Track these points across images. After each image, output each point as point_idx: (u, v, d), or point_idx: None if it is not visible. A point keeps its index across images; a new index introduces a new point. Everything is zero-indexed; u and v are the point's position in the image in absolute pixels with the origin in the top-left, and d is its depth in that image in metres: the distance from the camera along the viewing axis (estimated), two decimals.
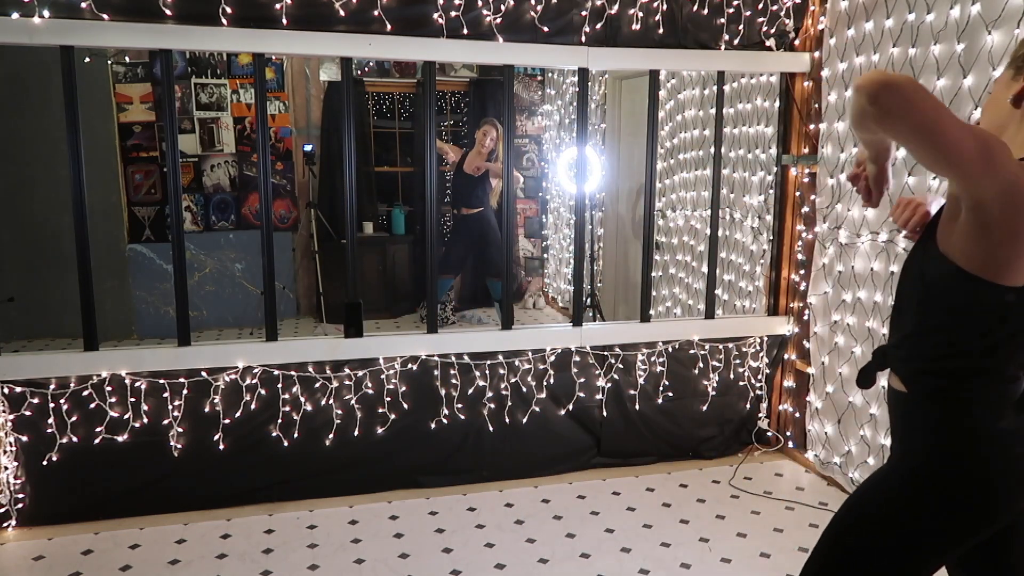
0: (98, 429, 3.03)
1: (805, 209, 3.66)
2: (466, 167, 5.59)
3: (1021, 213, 1.22)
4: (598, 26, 3.36)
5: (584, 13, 3.32)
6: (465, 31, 3.17)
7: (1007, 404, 1.36)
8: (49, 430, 2.98)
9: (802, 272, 3.70)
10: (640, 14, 3.38)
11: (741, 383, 3.80)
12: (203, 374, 3.11)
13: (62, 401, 2.98)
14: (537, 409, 3.51)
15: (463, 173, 5.62)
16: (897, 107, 1.18)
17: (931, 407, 1.40)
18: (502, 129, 5.17)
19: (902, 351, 1.44)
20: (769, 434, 3.89)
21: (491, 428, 3.46)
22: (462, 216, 5.70)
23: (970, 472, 1.35)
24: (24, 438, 2.97)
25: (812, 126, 3.58)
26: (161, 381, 3.07)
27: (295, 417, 3.22)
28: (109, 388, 3.02)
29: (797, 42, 3.63)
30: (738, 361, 3.77)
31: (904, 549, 1.39)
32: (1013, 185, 1.21)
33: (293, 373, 3.20)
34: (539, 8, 3.25)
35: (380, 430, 3.32)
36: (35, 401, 2.96)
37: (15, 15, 2.73)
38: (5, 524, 2.98)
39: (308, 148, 6.27)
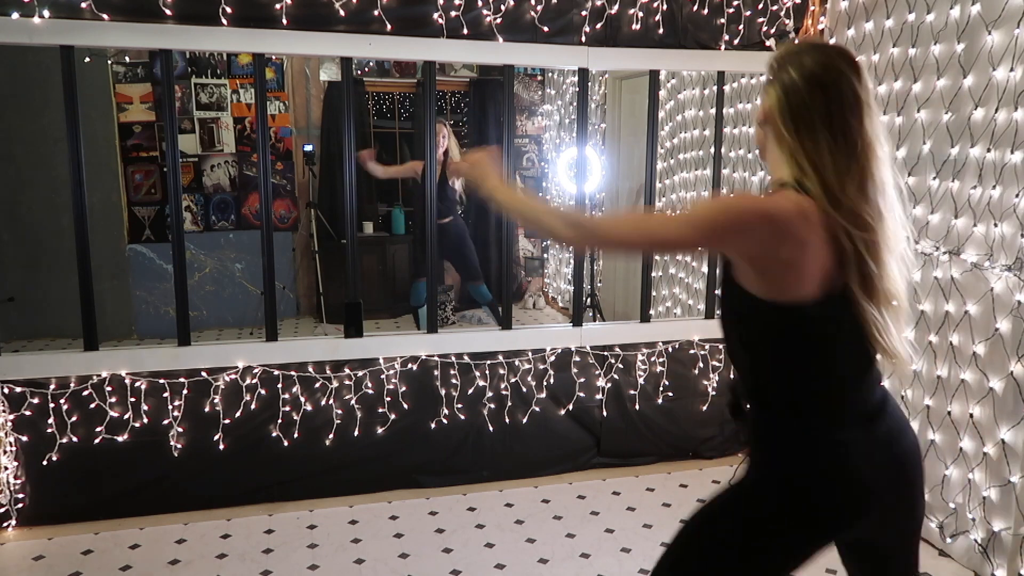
0: (98, 429, 3.03)
1: None
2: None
3: (782, 244, 1.28)
4: (598, 26, 3.36)
5: (584, 13, 3.32)
6: (465, 31, 3.17)
7: (846, 414, 1.41)
8: (49, 430, 2.98)
9: None
10: (640, 14, 3.38)
11: None
12: (203, 374, 3.11)
13: (62, 401, 2.98)
14: (537, 409, 3.51)
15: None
16: (610, 250, 1.34)
17: (776, 425, 1.44)
18: (449, 128, 4.99)
19: (746, 384, 1.49)
20: None
21: (491, 428, 3.46)
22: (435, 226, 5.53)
23: (814, 481, 1.39)
24: (24, 438, 2.97)
25: None
26: (161, 381, 3.07)
27: (295, 417, 3.22)
28: (109, 388, 3.02)
29: (797, 42, 3.63)
30: None
31: (754, 557, 1.42)
32: (758, 229, 1.28)
33: (293, 373, 3.20)
34: (539, 8, 3.25)
35: (380, 430, 3.32)
36: (35, 401, 2.96)
37: (15, 15, 2.73)
38: (5, 524, 2.98)
39: (308, 148, 6.27)
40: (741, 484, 1.48)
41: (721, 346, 3.71)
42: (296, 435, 3.23)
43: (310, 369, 3.22)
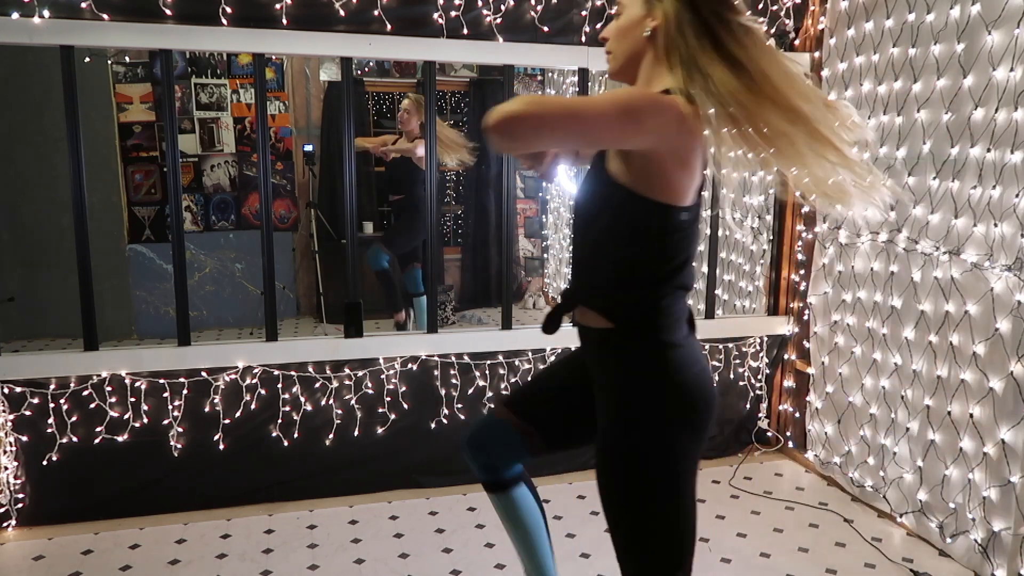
0: (98, 429, 3.03)
1: (805, 209, 3.66)
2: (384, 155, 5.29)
3: (686, 138, 1.32)
4: (598, 26, 3.36)
5: (584, 13, 3.32)
6: (465, 31, 3.17)
7: (681, 320, 1.47)
8: (49, 430, 2.98)
9: (802, 272, 3.70)
10: None
11: (741, 383, 3.80)
12: (203, 374, 3.11)
13: (62, 401, 2.98)
14: None
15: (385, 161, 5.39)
16: (530, 131, 1.25)
17: (626, 334, 1.46)
18: (416, 102, 4.95)
19: (594, 286, 1.49)
20: (769, 434, 3.89)
21: None
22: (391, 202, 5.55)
23: (674, 389, 1.43)
24: (24, 438, 2.97)
25: None
26: (161, 381, 3.07)
27: (295, 417, 3.22)
28: (109, 388, 3.02)
29: (797, 42, 3.63)
30: (738, 361, 3.77)
31: (667, 473, 1.46)
32: (668, 124, 1.30)
33: (293, 373, 3.20)
34: (539, 8, 3.25)
35: (380, 430, 3.32)
36: (35, 401, 2.96)
37: (15, 15, 2.73)
38: (5, 524, 2.98)
39: (308, 148, 6.27)
40: (629, 430, 1.48)
41: (721, 346, 3.71)
42: (296, 435, 3.23)
43: (310, 369, 3.22)
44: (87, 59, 5.27)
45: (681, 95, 1.35)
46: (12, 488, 2.98)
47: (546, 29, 3.28)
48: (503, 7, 3.21)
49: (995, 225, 2.62)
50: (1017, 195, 2.53)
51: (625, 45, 1.48)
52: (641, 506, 1.50)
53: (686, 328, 1.49)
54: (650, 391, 1.45)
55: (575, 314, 1.56)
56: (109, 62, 5.59)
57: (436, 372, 3.36)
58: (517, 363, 3.45)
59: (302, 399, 3.22)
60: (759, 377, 3.82)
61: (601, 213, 1.44)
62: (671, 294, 1.44)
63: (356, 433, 3.30)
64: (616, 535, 1.56)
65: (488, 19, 3.21)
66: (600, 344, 1.51)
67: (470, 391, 3.41)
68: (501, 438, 1.77)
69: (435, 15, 3.15)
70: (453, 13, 3.16)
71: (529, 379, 1.54)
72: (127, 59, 5.68)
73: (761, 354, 3.80)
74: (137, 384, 3.05)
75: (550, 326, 1.57)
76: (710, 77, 1.34)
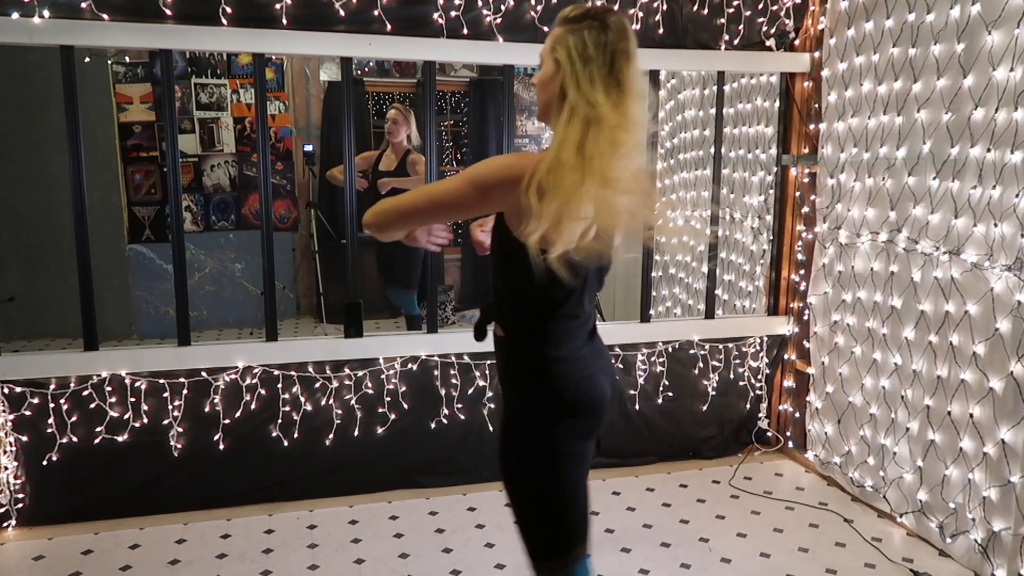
0: (98, 429, 3.03)
1: (805, 209, 3.66)
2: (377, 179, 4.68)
3: (543, 199, 1.45)
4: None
5: None
6: (465, 31, 3.17)
7: (566, 335, 1.65)
8: (49, 430, 2.98)
9: (802, 272, 3.70)
10: (640, 14, 3.38)
11: (741, 383, 3.80)
12: (203, 374, 3.11)
13: (62, 401, 2.98)
14: None
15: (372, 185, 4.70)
16: (396, 222, 1.58)
17: (520, 346, 1.67)
18: (405, 111, 4.60)
19: (499, 306, 1.71)
20: (769, 434, 3.89)
21: (491, 428, 3.45)
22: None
23: (545, 396, 1.63)
24: (24, 438, 2.97)
25: (812, 126, 3.58)
26: (161, 381, 3.07)
27: (295, 417, 3.22)
28: (109, 388, 3.02)
29: (797, 42, 3.63)
30: (738, 361, 3.77)
31: (538, 468, 1.63)
32: (514, 192, 1.47)
33: (293, 373, 3.20)
34: (539, 8, 3.25)
35: (380, 430, 3.32)
36: (35, 401, 2.96)
37: (15, 15, 2.73)
38: (5, 524, 2.98)
39: (308, 148, 6.27)
40: (505, 427, 1.68)
41: (721, 346, 3.71)
42: (296, 435, 3.23)
43: (310, 369, 3.22)
44: (87, 59, 5.27)
45: (555, 144, 1.52)
46: (12, 488, 2.98)
47: (546, 29, 3.28)
48: (503, 7, 3.21)
49: (995, 225, 2.62)
50: (1017, 195, 2.53)
51: (543, 96, 1.63)
52: (517, 495, 1.67)
53: (577, 343, 1.67)
54: (529, 395, 1.65)
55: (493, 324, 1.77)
56: (109, 62, 5.59)
57: (436, 372, 3.36)
58: None
59: (302, 399, 3.22)
60: (759, 377, 3.82)
61: (495, 248, 1.64)
62: (555, 319, 1.63)
63: (356, 433, 3.30)
64: (515, 514, 1.73)
65: (488, 19, 3.21)
66: (499, 350, 1.74)
67: (470, 391, 3.41)
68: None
69: (435, 15, 3.15)
70: (453, 13, 3.16)
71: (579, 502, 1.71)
72: (127, 59, 5.68)
73: (761, 354, 3.80)
74: (137, 384, 3.05)
75: (478, 334, 1.80)
76: (573, 134, 1.50)
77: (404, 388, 3.33)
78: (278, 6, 2.98)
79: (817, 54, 3.55)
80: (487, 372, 3.42)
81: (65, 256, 4.39)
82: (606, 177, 1.47)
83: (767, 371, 3.83)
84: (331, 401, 3.26)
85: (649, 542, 2.97)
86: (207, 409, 3.12)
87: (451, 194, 1.54)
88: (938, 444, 2.88)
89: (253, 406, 3.17)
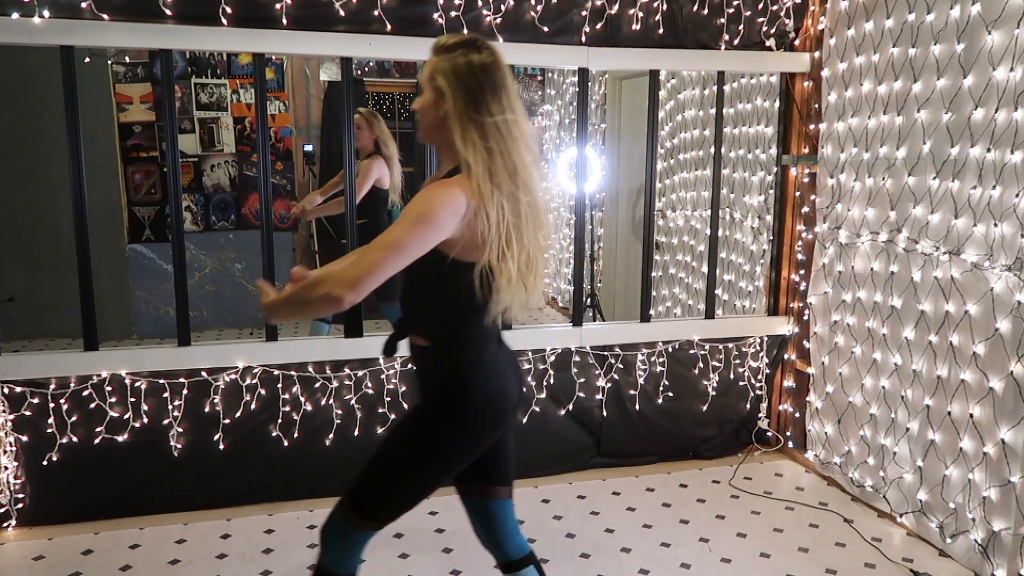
0: (98, 429, 3.03)
1: (805, 209, 3.66)
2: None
3: (465, 222, 1.62)
4: (598, 26, 3.36)
5: (584, 13, 3.32)
6: (465, 31, 3.17)
7: (486, 342, 1.78)
8: (49, 430, 2.98)
9: (802, 272, 3.70)
10: (640, 14, 3.38)
11: (741, 383, 3.80)
12: (203, 374, 3.11)
13: (62, 401, 2.98)
14: (537, 409, 3.51)
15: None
16: (369, 283, 1.59)
17: (439, 352, 1.78)
18: (369, 115, 4.44)
19: (416, 318, 1.82)
20: (769, 434, 3.89)
21: None
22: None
23: (466, 398, 1.74)
24: (24, 438, 2.97)
25: (812, 126, 3.58)
26: (161, 381, 3.07)
27: (295, 417, 3.22)
28: (109, 388, 3.02)
29: (797, 42, 3.63)
30: (738, 361, 3.77)
31: (431, 465, 1.80)
32: (460, 211, 1.62)
33: (293, 373, 3.20)
34: (539, 8, 3.25)
35: (380, 430, 3.32)
36: (35, 401, 2.96)
37: (15, 15, 2.73)
38: (5, 524, 2.98)
39: (308, 148, 6.26)
40: (418, 409, 1.83)
41: (721, 346, 3.71)
42: (296, 435, 3.23)
43: (310, 369, 3.22)
44: (87, 59, 5.27)
45: (465, 166, 1.66)
46: (12, 488, 2.98)
47: (546, 29, 3.28)
48: (503, 7, 3.21)
49: (995, 225, 2.62)
50: (1017, 195, 2.53)
51: (426, 120, 1.75)
52: (384, 458, 1.87)
53: (492, 348, 1.80)
54: (447, 396, 1.76)
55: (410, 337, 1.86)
56: (109, 62, 5.59)
57: None
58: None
59: (302, 399, 3.22)
60: (759, 377, 3.82)
61: (420, 267, 1.68)
62: (477, 325, 1.74)
63: (356, 433, 3.30)
64: (366, 465, 1.91)
65: (488, 19, 3.21)
66: (421, 358, 1.84)
67: None
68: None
69: (435, 15, 3.15)
70: (453, 13, 3.16)
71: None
72: (127, 59, 5.67)
73: (761, 354, 3.80)
74: (137, 384, 3.05)
75: (388, 350, 1.89)
76: (480, 154, 1.65)
77: (404, 388, 3.33)
78: (278, 6, 2.98)
79: (817, 54, 3.55)
80: None
81: (65, 256, 4.38)
82: (527, 186, 1.67)
83: (767, 371, 3.83)
84: (331, 401, 3.26)
85: (649, 542, 2.97)
86: (207, 409, 3.12)
87: (413, 237, 1.60)
88: (938, 444, 2.88)
89: (253, 406, 3.17)
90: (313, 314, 1.76)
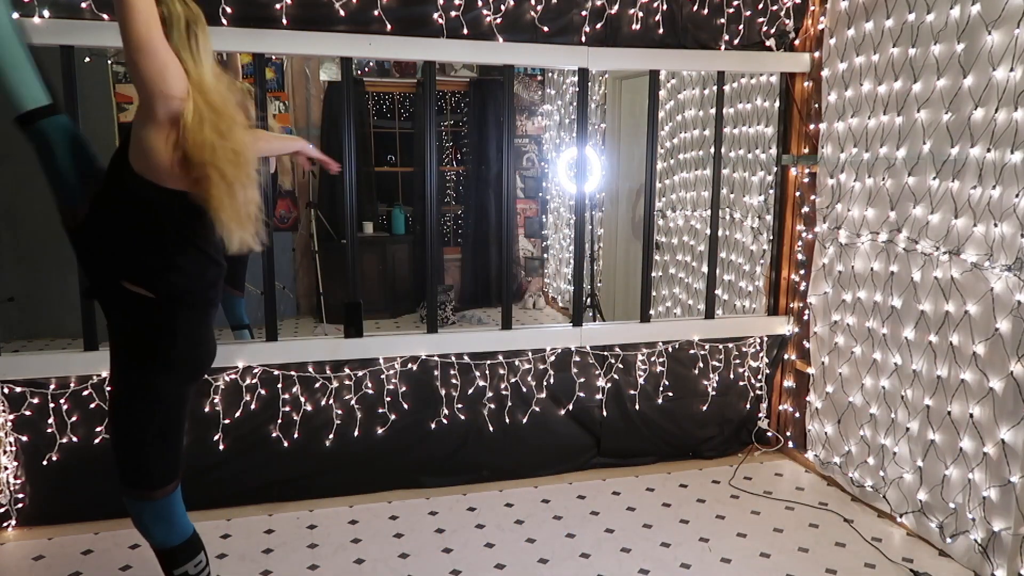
0: (98, 429, 3.03)
1: (805, 209, 3.66)
2: None
3: (185, 133, 1.67)
4: (598, 26, 3.36)
5: (584, 13, 3.32)
6: (465, 31, 3.17)
7: (194, 293, 1.86)
8: (49, 430, 2.98)
9: (802, 272, 3.70)
10: (640, 14, 3.38)
11: (741, 383, 3.80)
12: None
13: (62, 401, 2.98)
14: (537, 409, 3.51)
15: None
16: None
17: (136, 296, 1.81)
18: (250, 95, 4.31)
19: (114, 259, 1.83)
20: (769, 434, 3.89)
21: (491, 428, 3.46)
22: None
23: (162, 340, 1.84)
24: (24, 438, 2.97)
25: (812, 126, 3.58)
26: None
27: (295, 417, 3.22)
28: (109, 388, 3.02)
29: (797, 42, 3.63)
30: (738, 361, 3.77)
31: (151, 410, 1.87)
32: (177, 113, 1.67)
33: (293, 373, 3.20)
34: (539, 8, 3.25)
35: (380, 430, 3.32)
36: (35, 401, 2.96)
37: (15, 15, 2.72)
38: (5, 524, 2.98)
39: None
40: (119, 361, 1.88)
41: (721, 346, 3.71)
42: (296, 435, 3.23)
43: (310, 369, 3.22)
44: (87, 59, 5.27)
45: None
46: (12, 488, 2.98)
47: (546, 29, 3.28)
48: (503, 7, 3.21)
49: (995, 225, 2.62)
50: (1017, 195, 2.53)
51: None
52: (118, 424, 1.92)
53: (195, 297, 1.88)
54: (142, 343, 1.84)
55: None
56: (109, 62, 5.59)
57: (436, 372, 3.36)
58: (517, 363, 3.46)
59: (302, 399, 3.22)
60: (759, 377, 3.82)
61: (117, 195, 1.76)
62: (166, 263, 1.81)
63: (356, 433, 3.30)
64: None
65: (488, 19, 3.21)
66: (122, 305, 1.87)
67: (470, 391, 3.41)
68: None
69: (435, 15, 3.15)
70: (453, 13, 3.16)
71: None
72: None
73: (761, 354, 3.80)
74: None
75: (90, 294, 1.94)
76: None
77: (404, 388, 3.33)
78: (278, 6, 2.98)
79: (817, 54, 3.55)
80: (487, 372, 3.42)
81: (65, 256, 4.37)
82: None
83: (767, 371, 3.83)
84: (331, 401, 3.26)
85: (649, 542, 2.97)
86: (207, 409, 3.12)
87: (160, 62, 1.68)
88: (938, 444, 2.88)
89: (253, 406, 3.17)
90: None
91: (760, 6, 3.52)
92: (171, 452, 1.94)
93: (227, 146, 1.71)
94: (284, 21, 2.99)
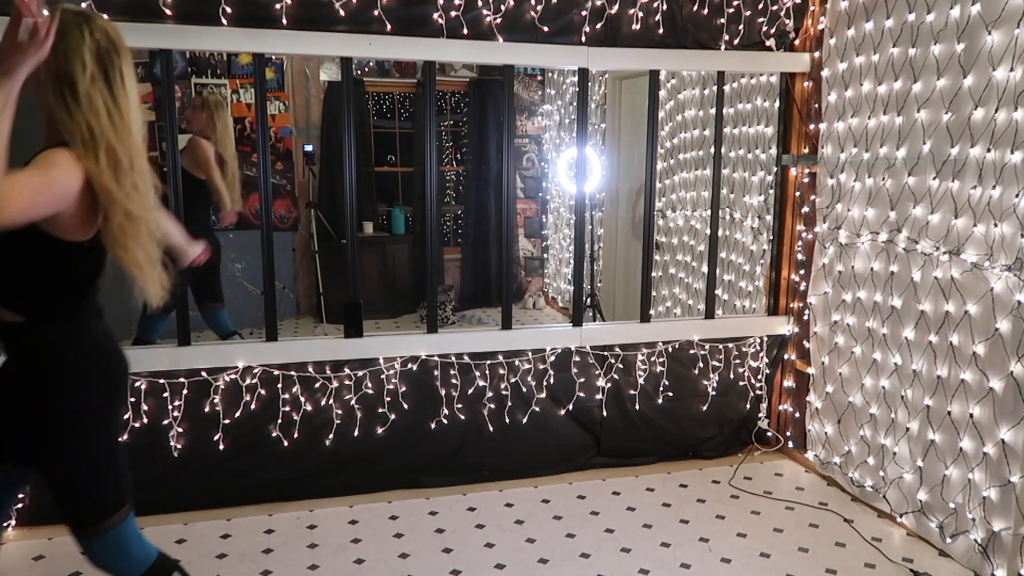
0: None
1: (805, 209, 3.66)
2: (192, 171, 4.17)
3: (73, 200, 1.73)
4: (598, 26, 3.36)
5: (584, 13, 3.32)
6: (465, 31, 3.17)
7: (93, 313, 1.91)
8: None
9: (802, 272, 3.70)
10: (640, 14, 3.38)
11: (741, 383, 3.80)
12: (203, 374, 3.11)
13: None
14: (537, 409, 3.51)
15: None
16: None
17: (50, 324, 1.82)
18: (216, 106, 4.32)
19: (15, 294, 1.81)
20: (769, 434, 3.89)
21: (491, 428, 3.46)
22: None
23: (81, 364, 1.85)
24: None
25: (812, 126, 3.58)
26: (161, 381, 3.07)
27: (295, 417, 3.22)
28: None
29: (797, 42, 3.63)
30: (738, 361, 3.77)
31: (97, 431, 1.90)
32: (61, 195, 1.73)
33: (293, 373, 3.20)
34: (539, 8, 3.25)
35: (380, 430, 3.32)
36: None
37: None
38: (5, 524, 2.97)
39: (308, 148, 6.27)
40: (53, 388, 1.82)
41: (721, 346, 3.71)
42: (296, 435, 3.23)
43: (310, 369, 3.22)
44: None
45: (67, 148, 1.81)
46: None
47: (546, 29, 3.28)
48: (503, 7, 3.21)
49: (995, 225, 2.62)
50: (1017, 195, 2.53)
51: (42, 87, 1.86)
52: (70, 455, 1.90)
53: (94, 318, 1.92)
54: (71, 363, 1.84)
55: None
56: None
57: (436, 372, 3.36)
58: (517, 363, 3.46)
59: (302, 399, 3.22)
60: (759, 377, 3.82)
61: (17, 247, 1.76)
62: (84, 297, 1.88)
63: (356, 433, 3.30)
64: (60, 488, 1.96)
65: (488, 19, 3.21)
66: (17, 334, 1.84)
67: (470, 391, 3.41)
68: None
69: (435, 15, 3.15)
70: (453, 13, 3.16)
71: None
72: None
73: (761, 354, 3.80)
74: (137, 384, 3.04)
75: None
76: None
77: (404, 388, 3.33)
78: (278, 6, 2.98)
79: (817, 54, 3.55)
80: (487, 372, 3.42)
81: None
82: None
83: (767, 371, 3.83)
84: (331, 401, 3.26)
85: (649, 542, 2.97)
86: (207, 409, 3.12)
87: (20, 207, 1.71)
88: (938, 444, 2.88)
89: (253, 406, 3.17)
90: None
91: (760, 6, 3.52)
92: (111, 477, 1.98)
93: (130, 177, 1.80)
94: (284, 21, 2.99)
